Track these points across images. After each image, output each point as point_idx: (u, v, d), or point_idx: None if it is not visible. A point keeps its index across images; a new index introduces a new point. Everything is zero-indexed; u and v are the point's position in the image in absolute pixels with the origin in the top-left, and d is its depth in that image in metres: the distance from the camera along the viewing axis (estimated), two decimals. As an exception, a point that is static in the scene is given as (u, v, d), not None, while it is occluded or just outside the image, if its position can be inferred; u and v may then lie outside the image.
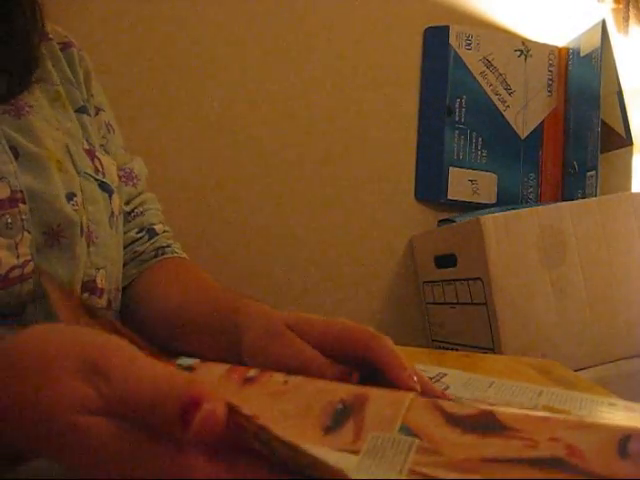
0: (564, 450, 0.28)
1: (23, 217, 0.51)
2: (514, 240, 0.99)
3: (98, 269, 0.58)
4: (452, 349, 1.15)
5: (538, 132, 1.34)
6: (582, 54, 1.27)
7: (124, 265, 0.66)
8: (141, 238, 0.70)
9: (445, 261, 1.15)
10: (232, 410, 0.26)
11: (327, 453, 0.30)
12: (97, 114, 0.67)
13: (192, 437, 0.26)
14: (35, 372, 0.29)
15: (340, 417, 0.33)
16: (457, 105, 1.32)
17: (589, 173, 1.23)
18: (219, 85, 1.25)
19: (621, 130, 1.20)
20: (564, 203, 1.05)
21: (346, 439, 0.31)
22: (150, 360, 0.29)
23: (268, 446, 0.26)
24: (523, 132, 1.34)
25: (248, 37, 1.26)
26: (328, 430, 0.32)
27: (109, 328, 0.32)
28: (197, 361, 0.39)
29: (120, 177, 0.69)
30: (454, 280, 1.11)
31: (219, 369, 0.38)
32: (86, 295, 0.56)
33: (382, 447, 0.30)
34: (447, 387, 0.47)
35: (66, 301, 0.34)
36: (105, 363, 0.28)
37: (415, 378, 0.38)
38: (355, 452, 0.30)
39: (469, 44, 1.31)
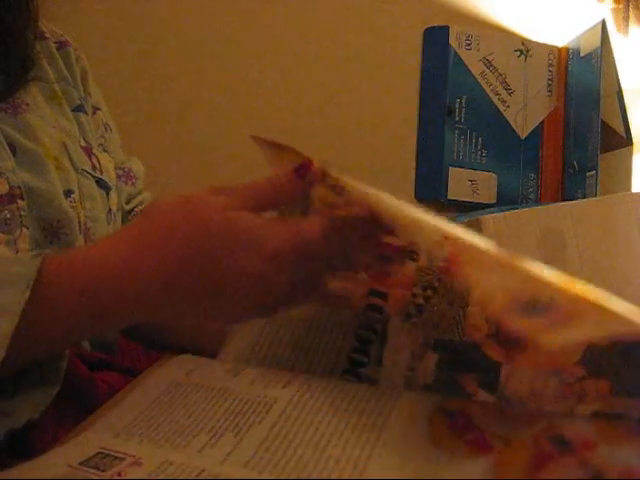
0: None
1: (22, 213, 0.52)
2: (514, 240, 0.99)
3: None
4: (452, 349, 1.15)
5: (538, 132, 1.34)
6: (582, 54, 1.27)
7: None
8: (140, 237, 0.70)
9: (445, 261, 1.14)
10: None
11: None
12: (94, 113, 0.67)
13: (307, 186, 0.43)
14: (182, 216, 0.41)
15: None
16: (457, 105, 1.31)
17: (589, 173, 1.22)
18: (217, 85, 1.25)
19: (621, 130, 1.20)
20: (564, 203, 1.04)
21: None
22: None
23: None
24: (523, 132, 1.34)
25: (246, 37, 1.26)
26: None
27: None
28: None
29: (119, 176, 0.69)
30: (454, 280, 1.11)
31: None
32: None
33: None
34: None
35: None
36: (221, 187, 0.42)
37: None
38: None
39: (469, 44, 1.31)
